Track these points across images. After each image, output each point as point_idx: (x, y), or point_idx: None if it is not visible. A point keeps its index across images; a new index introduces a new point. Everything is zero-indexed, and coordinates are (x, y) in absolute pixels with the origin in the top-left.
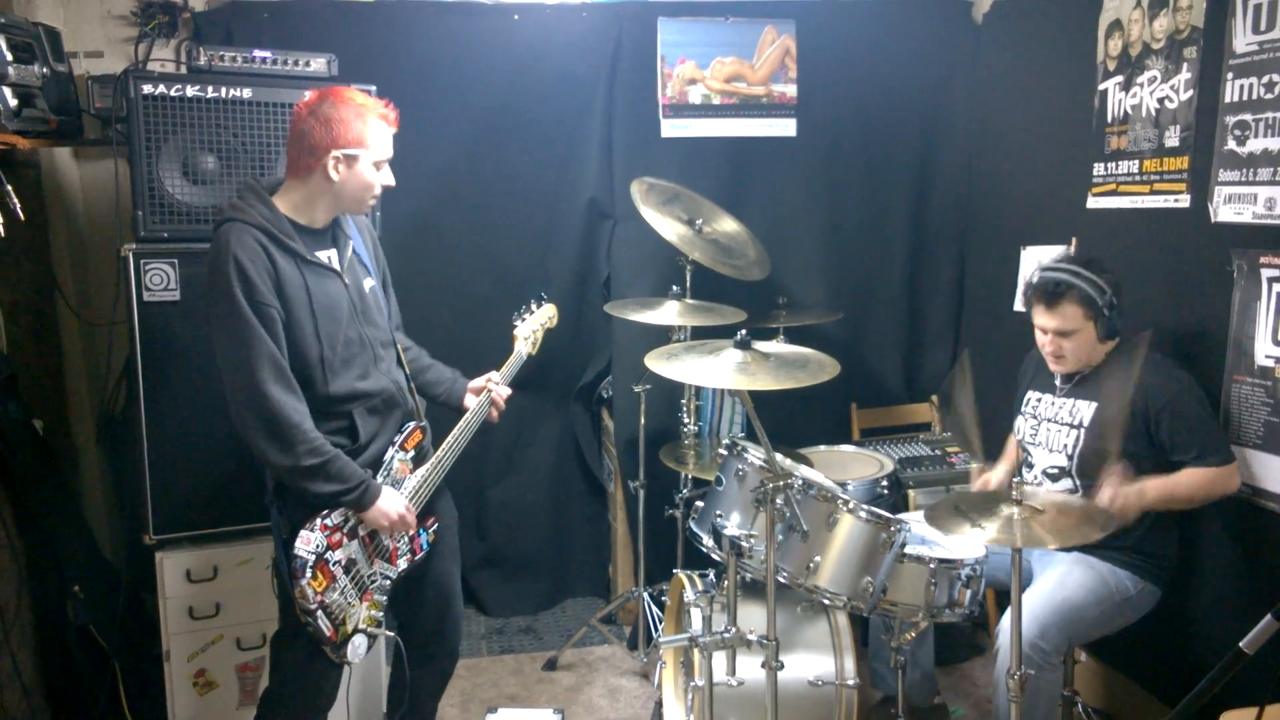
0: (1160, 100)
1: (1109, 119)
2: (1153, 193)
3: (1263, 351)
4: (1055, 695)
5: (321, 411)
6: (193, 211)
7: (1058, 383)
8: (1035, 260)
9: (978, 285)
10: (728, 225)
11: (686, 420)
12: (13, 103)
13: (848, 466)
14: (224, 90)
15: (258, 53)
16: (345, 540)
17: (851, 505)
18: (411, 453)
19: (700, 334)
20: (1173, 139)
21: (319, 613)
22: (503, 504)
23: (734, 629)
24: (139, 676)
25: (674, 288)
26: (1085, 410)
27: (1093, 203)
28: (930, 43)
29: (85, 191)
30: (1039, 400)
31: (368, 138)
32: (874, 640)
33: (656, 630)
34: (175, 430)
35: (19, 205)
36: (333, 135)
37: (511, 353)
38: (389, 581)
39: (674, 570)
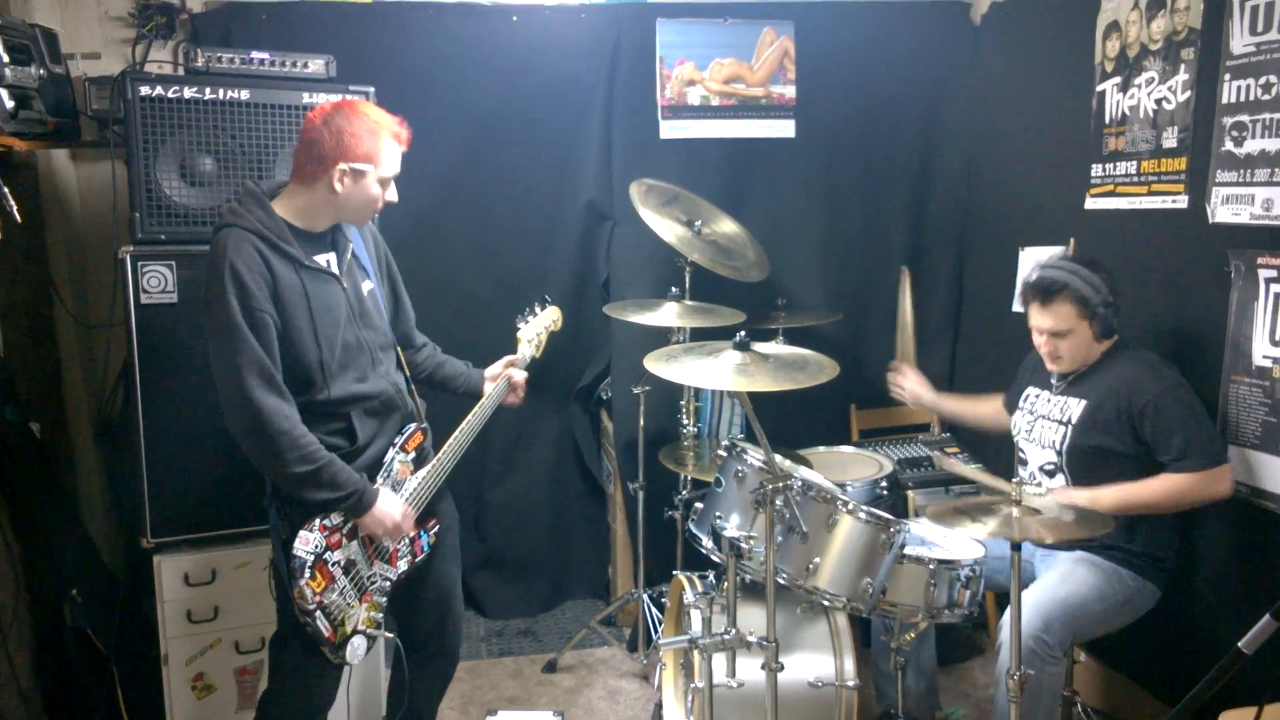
0: (1158, 101)
1: (1107, 120)
2: (1150, 193)
3: (1260, 352)
4: (1057, 691)
5: (320, 414)
6: (190, 213)
7: (1054, 380)
8: (1034, 261)
9: (976, 286)
10: (727, 226)
11: (686, 422)
12: (10, 104)
13: (847, 467)
14: (222, 92)
15: (255, 54)
16: (345, 541)
17: (851, 506)
18: (412, 454)
19: (699, 335)
20: (1170, 140)
21: (318, 613)
22: (502, 506)
23: (734, 630)
24: (137, 680)
25: (673, 289)
26: (1075, 408)
27: (1091, 203)
28: (928, 44)
29: (82, 193)
30: (1036, 396)
31: (377, 155)
32: (876, 651)
33: (656, 632)
34: (173, 433)
35: (16, 207)
36: (342, 148)
37: (514, 354)
38: (389, 583)
39: (673, 572)
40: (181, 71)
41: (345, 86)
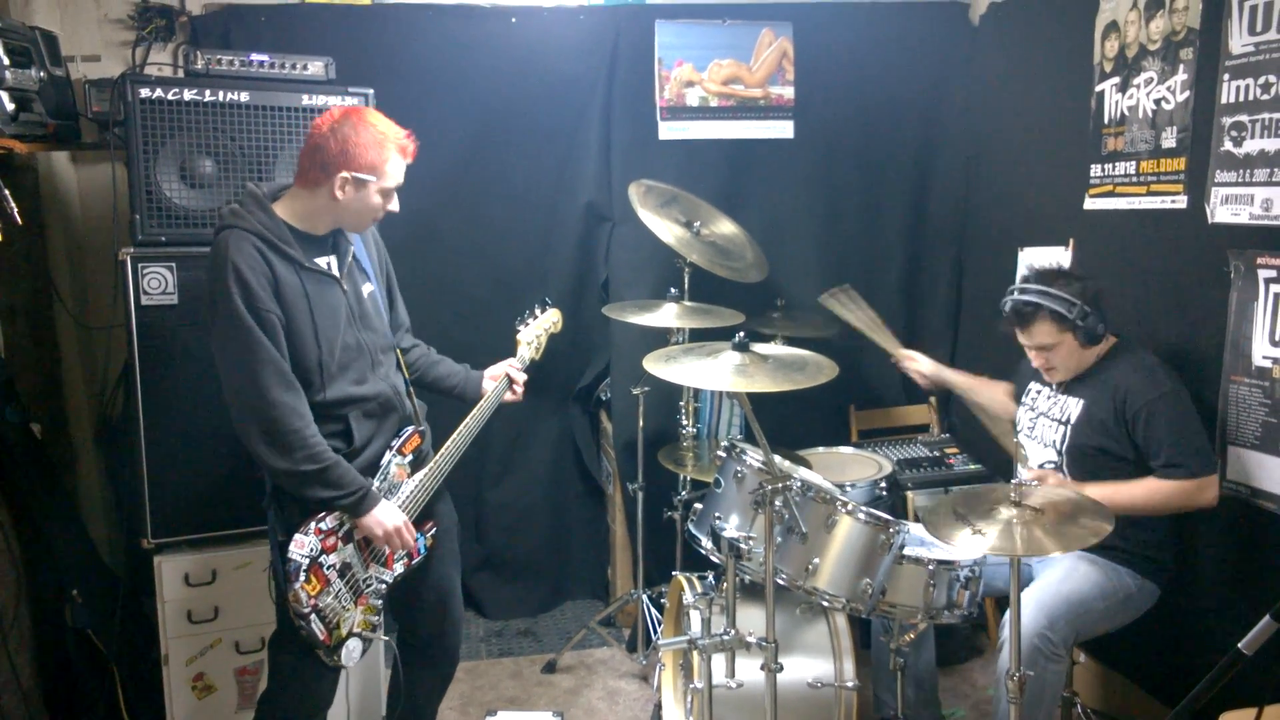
0: (1157, 101)
1: (1106, 120)
2: (1150, 194)
3: (1260, 352)
4: (1058, 689)
5: (317, 415)
6: (190, 215)
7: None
8: (1032, 261)
9: (975, 286)
10: (726, 227)
11: (685, 422)
12: (10, 107)
13: (846, 468)
14: (221, 94)
15: (255, 56)
16: (340, 544)
17: (850, 507)
18: (409, 457)
19: (698, 336)
20: (1169, 140)
21: (313, 616)
22: (501, 506)
23: (733, 631)
24: (137, 680)
25: (672, 290)
26: (1074, 407)
27: (1090, 204)
28: (927, 44)
29: (83, 195)
30: (1038, 392)
31: (381, 166)
32: (875, 652)
33: (655, 632)
34: (174, 434)
35: (16, 209)
36: (347, 157)
37: (514, 356)
38: (385, 585)
39: (673, 572)
40: (181, 74)
41: (345, 88)
